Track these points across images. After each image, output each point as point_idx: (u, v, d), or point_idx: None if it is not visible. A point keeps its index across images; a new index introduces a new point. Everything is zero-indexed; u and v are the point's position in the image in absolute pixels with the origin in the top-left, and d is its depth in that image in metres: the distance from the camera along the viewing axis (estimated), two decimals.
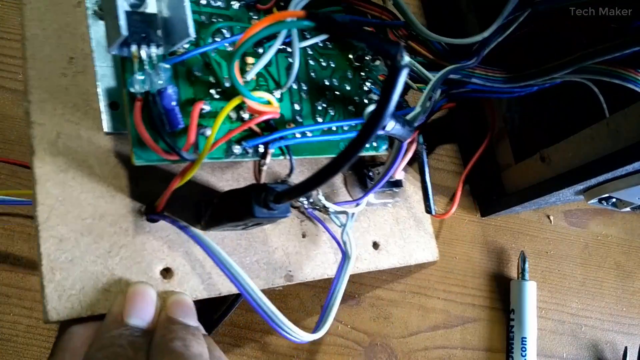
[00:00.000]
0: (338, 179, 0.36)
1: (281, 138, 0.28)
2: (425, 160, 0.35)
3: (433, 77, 0.33)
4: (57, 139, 0.25)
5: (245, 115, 0.27)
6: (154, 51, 0.23)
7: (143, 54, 0.23)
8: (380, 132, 0.26)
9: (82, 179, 0.25)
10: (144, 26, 0.22)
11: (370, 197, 0.36)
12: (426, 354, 0.37)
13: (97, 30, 0.25)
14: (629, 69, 0.29)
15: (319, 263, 0.33)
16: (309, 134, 0.30)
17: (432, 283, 0.39)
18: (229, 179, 0.31)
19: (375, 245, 0.36)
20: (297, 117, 0.30)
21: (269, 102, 0.27)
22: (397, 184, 0.36)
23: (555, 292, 0.40)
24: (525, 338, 0.37)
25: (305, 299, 0.37)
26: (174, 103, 0.24)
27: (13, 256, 0.35)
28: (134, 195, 0.27)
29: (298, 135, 0.29)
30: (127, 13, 0.22)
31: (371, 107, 0.27)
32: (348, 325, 0.37)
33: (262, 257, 0.30)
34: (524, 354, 0.37)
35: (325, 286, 0.37)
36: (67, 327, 0.24)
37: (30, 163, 0.24)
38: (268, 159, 0.28)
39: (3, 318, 0.34)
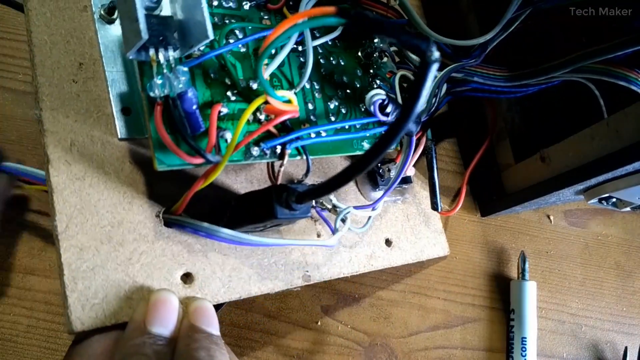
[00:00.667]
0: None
1: (298, 138, 0.28)
2: (434, 155, 0.35)
3: (437, 74, 0.33)
4: (71, 146, 0.25)
5: (262, 117, 0.27)
6: (172, 54, 0.23)
7: (161, 57, 0.23)
8: (385, 119, 0.26)
9: (98, 186, 0.25)
10: (161, 29, 0.22)
11: (379, 193, 0.37)
12: (426, 354, 0.37)
13: (105, 34, 0.25)
14: (629, 69, 0.29)
15: (335, 262, 0.33)
16: (323, 134, 0.30)
17: (432, 283, 0.39)
18: (243, 180, 0.31)
19: (388, 242, 0.36)
20: (311, 117, 0.30)
21: (289, 101, 0.27)
22: (407, 180, 0.37)
23: (556, 292, 0.40)
24: (526, 338, 0.37)
25: (305, 298, 0.37)
26: (194, 106, 0.23)
27: (13, 256, 0.35)
28: (151, 201, 0.27)
29: (313, 135, 0.29)
30: (145, 16, 0.21)
31: (372, 92, 0.27)
32: (348, 325, 0.37)
33: (279, 258, 0.30)
34: (524, 354, 0.37)
35: (325, 286, 0.38)
36: (87, 334, 0.23)
37: (46, 172, 0.24)
38: (285, 159, 0.28)
39: (3, 318, 0.34)
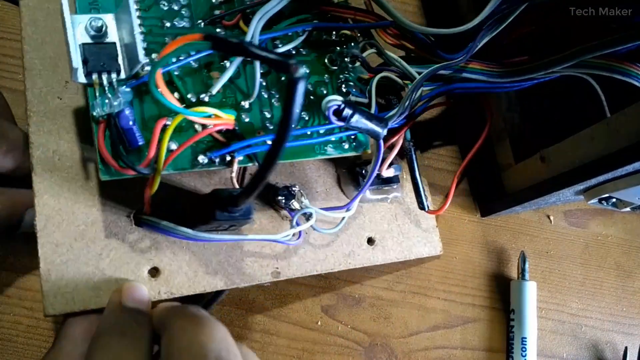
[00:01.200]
0: (331, 178, 0.36)
1: (248, 146, 0.29)
2: (414, 156, 0.35)
3: (418, 74, 0.33)
4: (54, 156, 0.28)
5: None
6: (114, 77, 0.26)
7: (104, 79, 0.26)
8: (340, 124, 0.27)
9: (76, 190, 0.29)
10: (102, 56, 0.25)
11: (368, 194, 0.37)
12: (426, 354, 0.37)
13: None
14: (630, 63, 0.29)
15: (307, 260, 0.34)
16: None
17: (432, 283, 0.39)
18: (216, 183, 0.32)
19: (371, 241, 0.36)
20: (267, 124, 0.31)
21: (215, 115, 0.28)
22: (393, 180, 0.37)
23: (556, 292, 0.40)
24: (526, 338, 0.37)
25: (305, 299, 0.37)
26: (130, 123, 0.26)
27: (13, 256, 0.35)
28: (123, 203, 0.29)
29: (269, 142, 0.30)
30: (84, 46, 0.25)
31: (327, 99, 0.27)
32: (348, 325, 0.37)
33: (248, 255, 0.32)
34: (524, 354, 0.37)
35: (326, 285, 0.38)
36: (67, 319, 0.27)
37: (31, 179, 0.28)
38: (234, 167, 0.29)
39: (3, 318, 0.34)
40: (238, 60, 0.29)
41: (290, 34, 0.32)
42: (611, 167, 0.28)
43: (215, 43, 0.20)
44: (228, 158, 0.29)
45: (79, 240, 0.28)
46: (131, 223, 0.29)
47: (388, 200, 0.37)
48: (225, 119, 0.28)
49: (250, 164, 0.30)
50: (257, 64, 0.30)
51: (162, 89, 0.26)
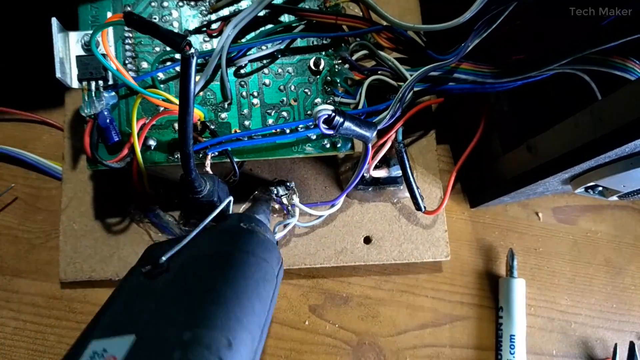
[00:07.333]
0: (332, 176, 0.37)
1: (219, 143, 0.31)
2: (406, 158, 0.35)
3: (409, 75, 0.33)
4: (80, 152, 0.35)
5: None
6: (101, 83, 0.30)
7: (92, 86, 0.30)
8: (330, 132, 0.27)
9: (95, 181, 0.35)
10: (89, 66, 0.30)
11: (360, 193, 0.37)
12: (414, 352, 0.37)
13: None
14: (625, 58, 0.29)
15: (297, 253, 0.35)
16: (258, 137, 0.32)
17: (420, 281, 0.39)
18: (216, 174, 0.33)
19: (367, 239, 0.36)
20: (245, 122, 0.32)
21: (167, 99, 0.30)
22: (395, 181, 0.36)
23: (545, 289, 0.40)
24: (514, 335, 0.37)
25: (293, 298, 0.37)
26: (108, 121, 0.30)
27: (0, 259, 0.35)
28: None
29: (246, 139, 0.32)
30: (77, 57, 0.30)
31: (319, 107, 0.27)
32: (336, 324, 0.37)
33: None
34: (512, 351, 0.37)
35: (314, 286, 0.37)
36: None
37: (62, 170, 0.35)
38: (207, 162, 0.31)
39: None
40: (213, 63, 0.31)
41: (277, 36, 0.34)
42: (594, 153, 0.28)
43: (128, 20, 0.23)
44: (201, 154, 0.31)
45: (92, 220, 0.35)
46: (138, 211, 0.35)
47: (394, 201, 0.37)
48: (170, 105, 0.30)
49: (227, 159, 0.32)
50: (224, 71, 0.31)
51: (115, 63, 0.29)
